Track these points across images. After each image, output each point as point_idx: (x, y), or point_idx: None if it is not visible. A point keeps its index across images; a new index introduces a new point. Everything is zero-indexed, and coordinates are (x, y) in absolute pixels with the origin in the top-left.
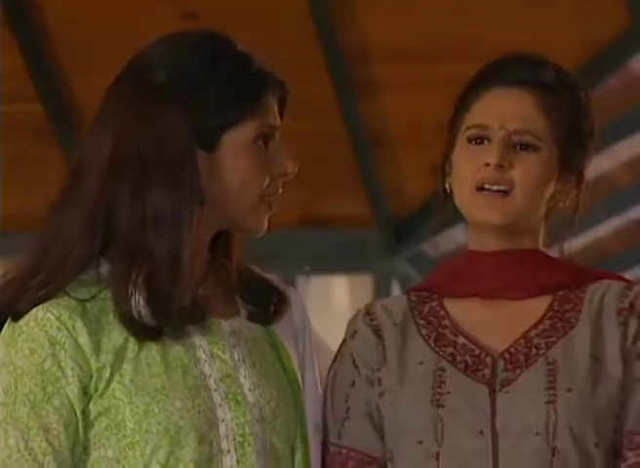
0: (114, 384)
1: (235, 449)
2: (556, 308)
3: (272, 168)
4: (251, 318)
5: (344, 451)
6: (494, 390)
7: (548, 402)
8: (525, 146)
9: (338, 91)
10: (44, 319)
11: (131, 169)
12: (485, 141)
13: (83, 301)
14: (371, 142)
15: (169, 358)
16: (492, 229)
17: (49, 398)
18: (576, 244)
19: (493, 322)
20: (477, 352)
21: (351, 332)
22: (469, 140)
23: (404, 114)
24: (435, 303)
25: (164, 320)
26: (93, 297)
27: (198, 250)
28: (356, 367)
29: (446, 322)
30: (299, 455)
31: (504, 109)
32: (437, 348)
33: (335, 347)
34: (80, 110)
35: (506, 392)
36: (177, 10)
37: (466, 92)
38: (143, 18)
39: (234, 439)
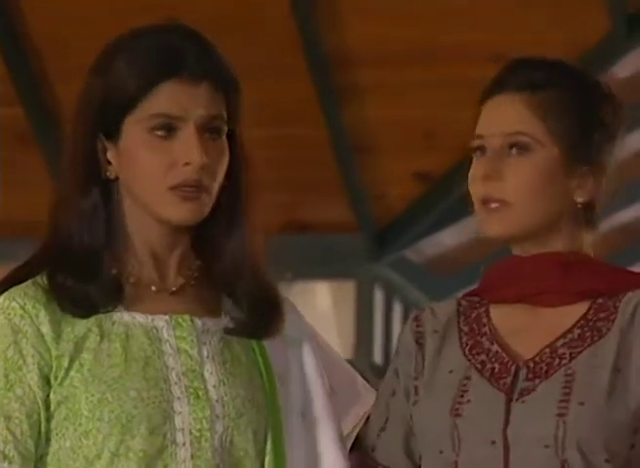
0: (73, 373)
1: (191, 443)
2: (590, 316)
3: (174, 158)
4: (230, 331)
5: (373, 465)
6: (510, 399)
7: (559, 414)
8: (519, 149)
9: (320, 96)
10: (9, 307)
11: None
12: (485, 153)
13: (48, 291)
14: (353, 147)
15: (132, 349)
16: (505, 241)
17: (11, 386)
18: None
19: (529, 329)
20: (506, 360)
21: (400, 339)
22: (473, 152)
23: (387, 119)
24: (482, 309)
25: (70, 302)
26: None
27: (154, 245)
28: (397, 376)
29: (485, 329)
30: (269, 459)
31: (496, 116)
32: (470, 356)
33: None
34: (63, 115)
35: (523, 401)
36: (161, 16)
37: (478, 106)
38: (128, 23)
39: (190, 433)
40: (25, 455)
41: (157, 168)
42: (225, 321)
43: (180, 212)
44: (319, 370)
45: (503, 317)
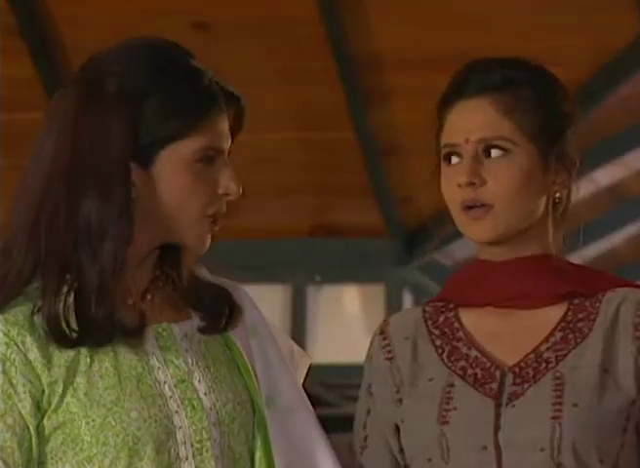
0: (68, 398)
1: (193, 456)
2: (569, 318)
3: (213, 187)
4: (203, 330)
5: None
6: (499, 404)
7: (554, 417)
8: (497, 152)
9: (349, 99)
10: None
11: (67, 178)
12: (460, 160)
13: (31, 316)
14: (382, 151)
15: (122, 368)
16: (488, 244)
17: (1, 416)
18: (590, 252)
19: (506, 333)
20: (488, 365)
21: (369, 357)
22: (445, 160)
23: (415, 122)
24: (451, 314)
25: (89, 332)
26: (40, 311)
27: (139, 262)
28: (370, 394)
29: (460, 334)
30: (259, 455)
31: (467, 122)
32: (450, 363)
33: (349, 358)
34: None
35: (513, 406)
36: (189, 20)
37: (437, 113)
38: (156, 28)
39: (192, 445)
40: None
41: (202, 195)
42: (197, 321)
43: (207, 239)
44: (282, 355)
45: (477, 321)
